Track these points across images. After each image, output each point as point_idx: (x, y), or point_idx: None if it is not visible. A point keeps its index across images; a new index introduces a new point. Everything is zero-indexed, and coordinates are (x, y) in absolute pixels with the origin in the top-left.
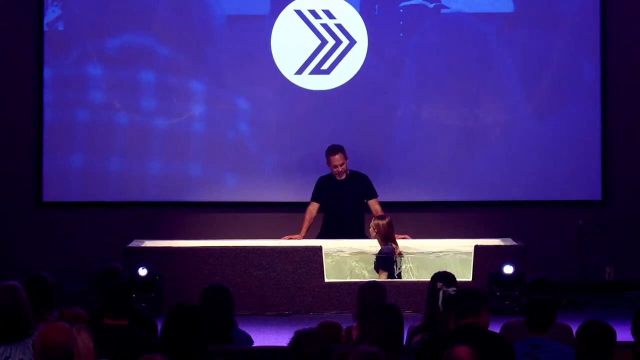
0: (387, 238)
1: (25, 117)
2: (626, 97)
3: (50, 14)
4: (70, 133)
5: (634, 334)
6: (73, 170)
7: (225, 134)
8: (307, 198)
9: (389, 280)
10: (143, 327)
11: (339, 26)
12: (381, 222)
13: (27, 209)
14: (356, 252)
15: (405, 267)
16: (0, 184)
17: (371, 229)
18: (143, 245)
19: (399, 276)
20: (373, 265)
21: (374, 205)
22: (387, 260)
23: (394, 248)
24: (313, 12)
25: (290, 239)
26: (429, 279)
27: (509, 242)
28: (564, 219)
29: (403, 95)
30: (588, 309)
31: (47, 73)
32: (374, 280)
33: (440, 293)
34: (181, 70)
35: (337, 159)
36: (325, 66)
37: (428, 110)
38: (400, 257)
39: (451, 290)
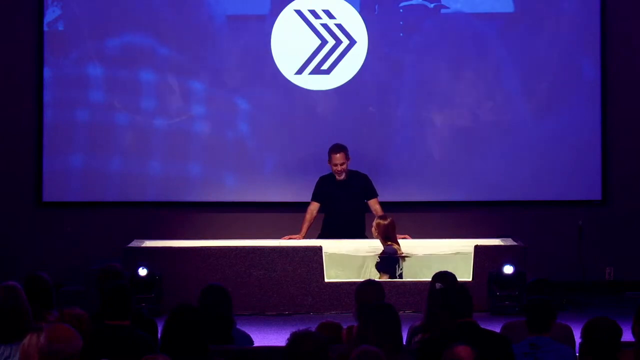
0: (387, 238)
1: (25, 117)
2: (626, 97)
3: (50, 14)
4: (70, 133)
5: (634, 332)
6: (73, 170)
7: (225, 134)
8: (308, 198)
9: (389, 280)
10: (143, 327)
11: (339, 26)
12: (382, 222)
13: (27, 209)
14: (357, 253)
15: (406, 267)
16: (0, 184)
17: (373, 228)
18: (143, 245)
19: (400, 277)
20: (375, 266)
21: (374, 205)
22: (389, 262)
23: (396, 249)
24: (313, 12)
25: (290, 239)
26: (429, 279)
27: (509, 242)
28: (564, 219)
29: (403, 95)
30: (588, 309)
31: (47, 73)
32: (372, 280)
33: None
34: (181, 70)
35: (338, 157)
36: (325, 66)
37: (428, 110)
38: (403, 258)
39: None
